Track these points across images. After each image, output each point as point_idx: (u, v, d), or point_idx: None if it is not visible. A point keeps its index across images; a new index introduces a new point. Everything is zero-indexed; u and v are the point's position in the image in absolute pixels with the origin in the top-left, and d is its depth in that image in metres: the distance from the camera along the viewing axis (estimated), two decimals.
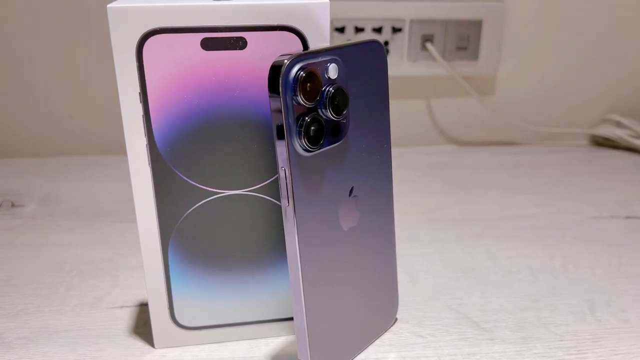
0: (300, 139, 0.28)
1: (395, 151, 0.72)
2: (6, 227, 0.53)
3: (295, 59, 0.28)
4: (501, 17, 0.68)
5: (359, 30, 0.66)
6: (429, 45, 0.67)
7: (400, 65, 0.69)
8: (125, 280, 0.44)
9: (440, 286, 0.43)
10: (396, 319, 0.39)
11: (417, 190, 0.61)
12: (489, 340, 0.37)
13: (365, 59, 0.32)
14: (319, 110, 0.29)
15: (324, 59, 0.29)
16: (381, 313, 0.37)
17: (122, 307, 0.40)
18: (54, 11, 0.64)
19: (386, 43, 0.67)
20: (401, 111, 0.72)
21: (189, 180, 0.32)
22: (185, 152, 0.32)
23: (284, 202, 0.29)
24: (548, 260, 0.46)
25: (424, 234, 0.51)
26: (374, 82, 0.33)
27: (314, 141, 0.29)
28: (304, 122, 0.28)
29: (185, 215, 0.33)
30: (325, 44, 0.31)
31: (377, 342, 0.37)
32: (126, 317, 0.39)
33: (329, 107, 0.29)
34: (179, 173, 0.32)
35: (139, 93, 0.30)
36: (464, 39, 0.68)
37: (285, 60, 0.27)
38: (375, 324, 0.37)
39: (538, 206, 0.56)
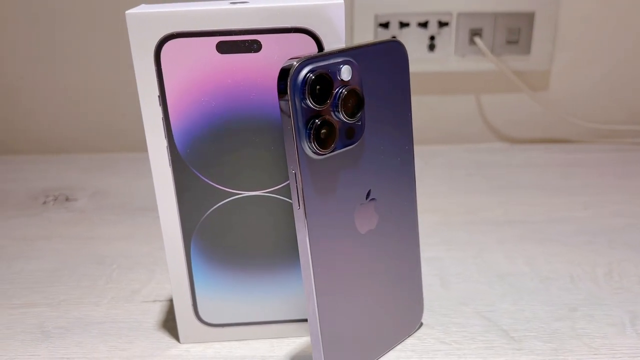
0: (310, 142, 0.28)
1: (441, 149, 0.71)
2: (59, 220, 0.56)
3: (305, 62, 0.27)
4: (555, 8, 0.64)
5: (403, 25, 0.65)
6: (477, 40, 0.65)
7: (447, 61, 0.67)
8: (160, 274, 0.45)
9: (471, 291, 0.41)
10: (421, 324, 0.38)
11: (460, 189, 0.59)
12: (516, 350, 0.35)
13: (384, 59, 0.31)
14: (332, 112, 0.29)
15: (337, 60, 0.29)
16: (404, 318, 0.36)
17: (154, 301, 0.42)
18: (105, 13, 0.66)
19: (432, 38, 0.66)
20: (449, 108, 0.71)
21: (208, 181, 0.33)
22: (204, 154, 0.32)
23: (295, 205, 0.29)
24: (591, 267, 0.44)
25: (462, 236, 0.49)
26: (394, 83, 0.32)
27: (325, 144, 0.29)
28: (314, 125, 0.28)
29: (205, 215, 0.34)
30: (341, 45, 0.31)
31: (399, 347, 0.36)
32: (157, 310, 0.41)
33: (342, 110, 0.29)
34: (198, 174, 0.33)
35: (158, 96, 0.31)
36: (515, 32, 0.65)
37: (295, 63, 0.27)
38: (398, 328, 0.36)
39: (587, 209, 0.53)
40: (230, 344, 0.37)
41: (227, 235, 0.34)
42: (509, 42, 0.66)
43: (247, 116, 0.32)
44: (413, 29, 0.65)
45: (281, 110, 0.28)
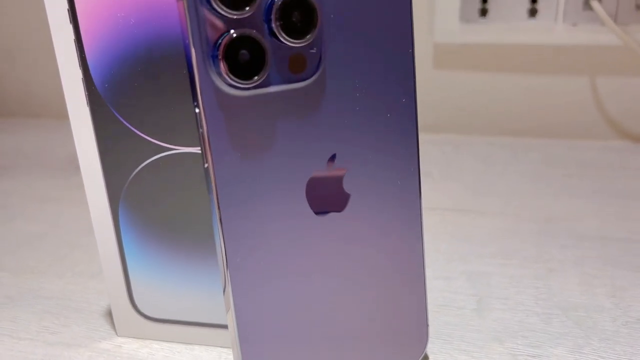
0: (217, 67, 0.19)
1: (539, 142, 0.57)
2: (76, 185, 0.52)
3: None
4: None
5: None
6: (594, 4, 0.51)
7: (553, 30, 0.53)
8: None
9: (516, 324, 0.29)
10: (426, 357, 0.27)
11: (549, 191, 0.45)
12: None
13: None
14: (263, 27, 0.19)
15: None
16: (394, 345, 0.26)
17: None
18: None
19: (534, 1, 0.52)
20: (553, 91, 0.57)
21: (133, 129, 0.25)
22: (126, 92, 0.24)
23: (203, 162, 0.20)
24: None
25: (529, 249, 0.37)
26: (386, 3, 0.22)
27: (245, 73, 0.19)
28: (224, 41, 0.19)
29: (133, 174, 0.26)
30: None
31: None
32: None
33: (278, 24, 0.19)
34: (121, 119, 0.25)
35: (68, 10, 0.24)
36: None
37: None
38: (382, 357, 0.25)
39: None
40: (172, 345, 0.29)
41: (160, 201, 0.26)
42: None
43: (176, 41, 0.23)
44: None
45: (180, 19, 0.19)
